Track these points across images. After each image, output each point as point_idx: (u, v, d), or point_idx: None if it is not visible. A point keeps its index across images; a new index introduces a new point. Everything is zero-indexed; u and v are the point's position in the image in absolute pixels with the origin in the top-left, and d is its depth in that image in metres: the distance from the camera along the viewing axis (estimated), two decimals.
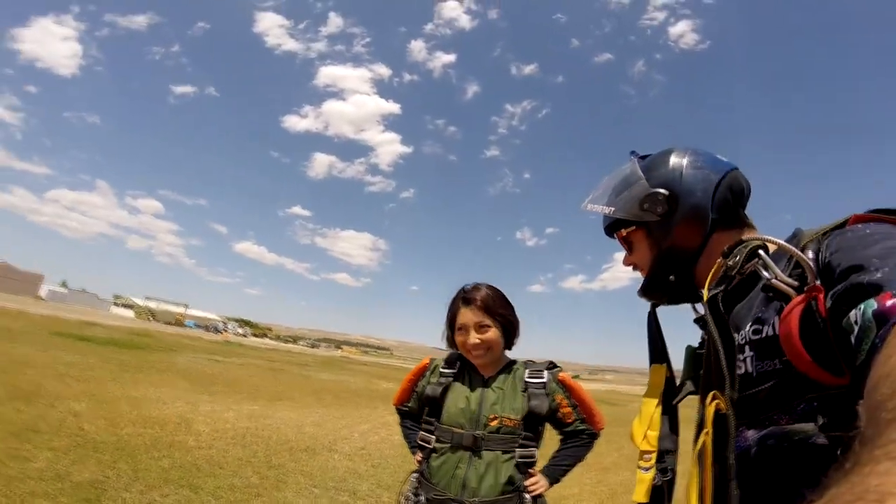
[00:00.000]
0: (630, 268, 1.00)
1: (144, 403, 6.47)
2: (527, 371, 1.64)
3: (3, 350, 8.55)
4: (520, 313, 1.69)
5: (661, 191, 0.88)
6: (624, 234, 0.96)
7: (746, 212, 0.91)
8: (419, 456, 1.61)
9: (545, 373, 1.63)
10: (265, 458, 4.73)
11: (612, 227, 0.99)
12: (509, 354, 1.73)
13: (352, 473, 4.46)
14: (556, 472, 1.63)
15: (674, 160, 0.90)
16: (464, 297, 1.64)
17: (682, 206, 0.86)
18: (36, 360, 8.33)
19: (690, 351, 0.92)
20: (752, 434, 0.70)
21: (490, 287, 1.67)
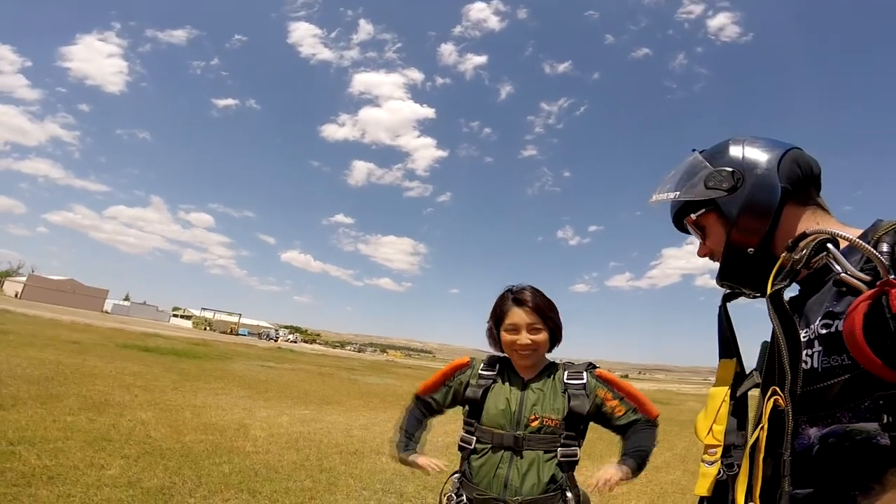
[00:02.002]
0: (706, 258, 0.96)
1: (205, 411, 6.84)
2: (566, 373, 1.64)
3: (75, 363, 9.22)
4: (563, 314, 1.69)
5: (725, 168, 0.87)
6: (694, 218, 0.94)
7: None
8: (404, 454, 1.67)
9: (584, 373, 1.63)
10: (317, 462, 4.91)
11: (682, 213, 0.96)
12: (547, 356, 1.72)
13: (398, 475, 4.54)
14: (634, 459, 1.56)
15: (734, 144, 0.90)
16: (515, 298, 1.64)
17: (748, 179, 0.85)
18: (104, 371, 8.94)
19: (765, 346, 0.88)
20: (814, 432, 0.68)
21: (537, 289, 1.68)
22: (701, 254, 0.96)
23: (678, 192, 0.93)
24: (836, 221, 0.84)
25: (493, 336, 1.69)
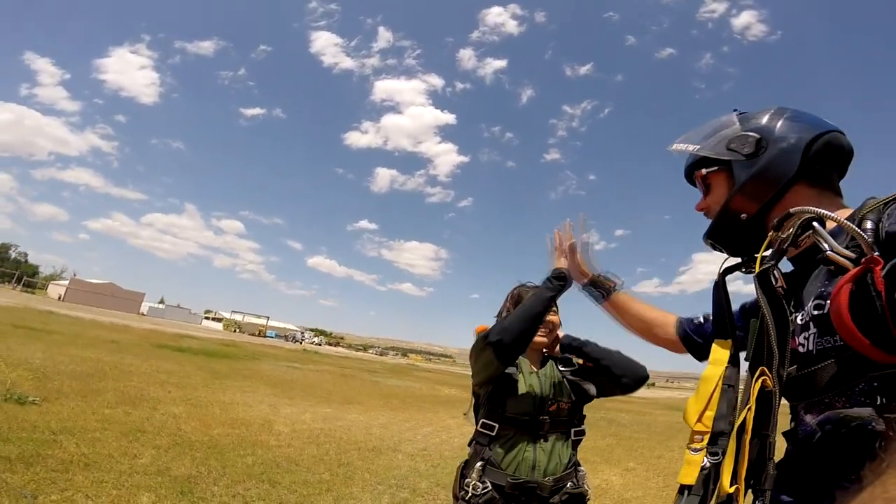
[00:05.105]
0: (702, 213, 0.97)
1: (233, 407, 7.12)
2: (559, 363, 1.74)
3: (114, 361, 9.67)
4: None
5: (752, 133, 0.86)
6: (704, 173, 0.93)
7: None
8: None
9: (572, 359, 1.75)
10: (336, 457, 5.08)
11: (694, 167, 0.96)
12: None
13: (413, 472, 4.68)
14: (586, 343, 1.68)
15: (772, 112, 0.88)
16: (531, 287, 1.75)
17: (770, 150, 0.83)
18: (140, 369, 9.36)
19: (755, 326, 0.84)
20: (811, 418, 0.68)
21: None
22: (698, 207, 0.98)
23: (699, 147, 0.93)
24: (842, 205, 0.83)
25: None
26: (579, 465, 1.65)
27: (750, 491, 0.68)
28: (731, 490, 0.65)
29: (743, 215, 0.86)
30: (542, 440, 1.58)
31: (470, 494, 1.52)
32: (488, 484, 1.52)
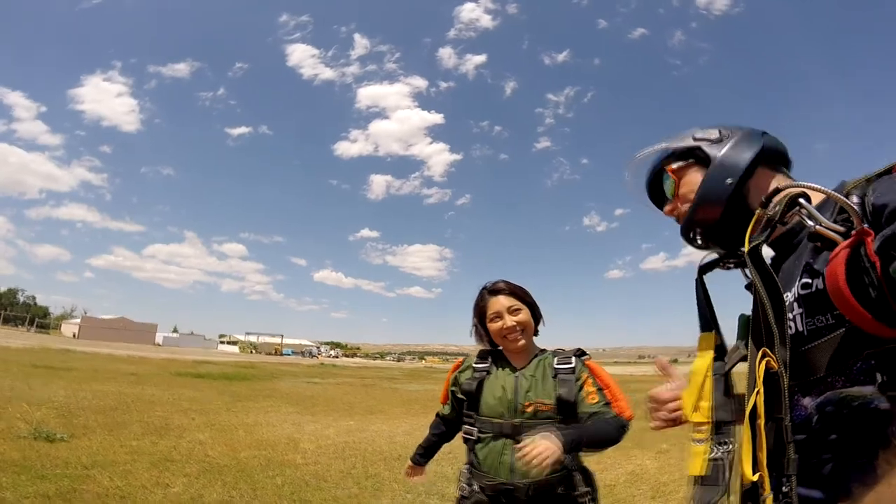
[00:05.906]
0: (672, 217, 0.96)
1: (257, 428, 7.17)
2: (555, 359, 1.69)
3: (135, 393, 9.77)
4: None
5: (711, 128, 0.92)
6: (675, 167, 0.93)
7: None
8: (409, 468, 1.95)
9: (573, 359, 1.68)
10: (363, 470, 5.10)
11: (663, 162, 0.96)
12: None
13: (440, 477, 4.67)
14: (579, 433, 1.51)
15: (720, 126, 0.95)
16: (491, 290, 1.77)
17: (734, 135, 0.88)
18: (162, 398, 9.45)
19: (744, 319, 0.85)
20: (808, 401, 0.66)
21: (507, 280, 1.80)
22: (668, 209, 0.97)
23: (665, 145, 0.96)
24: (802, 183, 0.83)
25: (480, 332, 1.80)
26: (576, 467, 1.57)
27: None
28: (755, 478, 0.63)
29: (728, 180, 0.84)
30: (517, 443, 1.52)
31: (459, 497, 1.64)
32: (475, 486, 1.60)
